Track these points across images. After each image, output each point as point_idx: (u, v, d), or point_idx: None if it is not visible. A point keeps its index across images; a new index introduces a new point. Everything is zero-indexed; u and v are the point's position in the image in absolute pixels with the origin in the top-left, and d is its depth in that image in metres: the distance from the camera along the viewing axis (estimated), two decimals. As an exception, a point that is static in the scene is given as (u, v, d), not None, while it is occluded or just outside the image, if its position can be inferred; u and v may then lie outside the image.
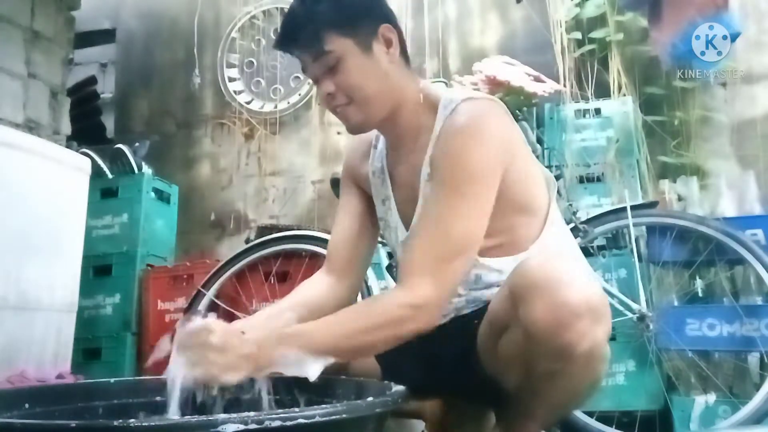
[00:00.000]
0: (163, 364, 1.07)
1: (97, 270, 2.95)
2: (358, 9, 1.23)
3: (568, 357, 1.05)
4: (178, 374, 1.02)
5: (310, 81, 1.31)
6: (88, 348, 2.84)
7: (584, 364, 1.08)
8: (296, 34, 1.21)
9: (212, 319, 1.07)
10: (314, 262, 2.46)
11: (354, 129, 1.28)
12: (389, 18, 1.26)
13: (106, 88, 4.29)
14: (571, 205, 2.26)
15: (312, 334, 1.09)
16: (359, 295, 2.22)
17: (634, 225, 2.20)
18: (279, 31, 1.26)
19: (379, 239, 2.36)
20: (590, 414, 2.08)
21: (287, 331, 1.10)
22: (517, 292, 1.10)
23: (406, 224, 1.33)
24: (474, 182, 1.16)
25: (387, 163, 1.37)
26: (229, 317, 2.64)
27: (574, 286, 1.05)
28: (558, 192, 2.25)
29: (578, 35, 2.92)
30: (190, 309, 2.65)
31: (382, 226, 1.42)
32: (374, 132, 1.39)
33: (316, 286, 1.38)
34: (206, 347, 1.02)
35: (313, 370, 1.06)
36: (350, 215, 1.43)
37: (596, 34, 2.89)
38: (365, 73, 1.21)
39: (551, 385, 1.12)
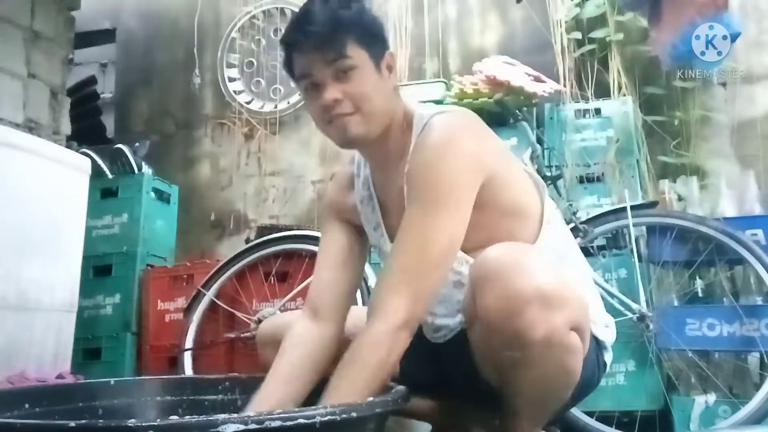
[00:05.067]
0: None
1: (97, 270, 2.95)
2: (375, 28, 1.26)
3: (522, 344, 1.07)
4: None
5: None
6: (88, 348, 2.83)
7: (543, 352, 1.08)
8: (317, 33, 1.19)
9: None
10: (314, 262, 2.45)
11: (349, 142, 1.27)
12: (389, 47, 1.30)
13: (106, 88, 4.30)
14: (571, 205, 2.26)
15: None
16: (359, 295, 2.23)
17: (634, 225, 2.20)
18: (295, 25, 1.24)
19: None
20: (590, 414, 2.08)
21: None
22: (473, 285, 1.13)
23: None
24: (446, 196, 1.17)
25: (374, 189, 1.38)
26: (230, 317, 2.66)
27: (524, 274, 1.07)
28: (558, 192, 2.26)
29: (578, 35, 2.91)
30: (190, 309, 2.65)
31: (377, 253, 1.44)
32: (354, 163, 1.41)
33: (304, 340, 1.31)
34: None
35: None
36: (334, 254, 1.40)
37: (596, 34, 2.89)
38: (375, 87, 1.22)
39: (519, 376, 1.14)
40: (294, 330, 1.32)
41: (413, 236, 1.17)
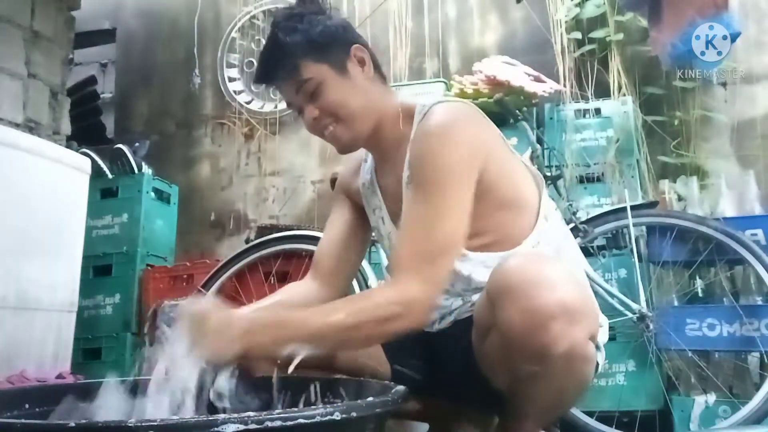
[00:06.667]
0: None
1: (97, 270, 2.95)
2: (327, 36, 1.28)
3: (545, 359, 1.06)
4: (180, 357, 1.04)
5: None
6: (88, 348, 2.84)
7: (564, 365, 1.08)
8: (275, 68, 1.28)
9: (208, 302, 1.10)
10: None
11: (344, 148, 1.32)
12: (358, 40, 1.33)
13: (106, 88, 4.30)
14: (571, 205, 2.26)
15: (301, 321, 1.10)
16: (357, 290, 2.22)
17: (634, 225, 2.20)
18: (257, 67, 1.32)
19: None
20: (590, 414, 2.08)
21: (276, 317, 1.14)
22: (493, 296, 1.11)
23: None
24: (448, 180, 1.18)
25: (376, 176, 1.41)
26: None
27: (549, 288, 1.05)
28: (558, 192, 2.26)
29: (578, 35, 2.91)
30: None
31: (375, 235, 1.48)
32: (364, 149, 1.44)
33: (301, 290, 1.43)
34: (203, 331, 1.04)
35: (298, 354, 1.07)
36: (340, 225, 1.48)
37: (596, 34, 2.89)
38: (345, 92, 1.26)
39: (536, 386, 1.13)
40: (295, 282, 1.48)
41: (418, 220, 1.18)
